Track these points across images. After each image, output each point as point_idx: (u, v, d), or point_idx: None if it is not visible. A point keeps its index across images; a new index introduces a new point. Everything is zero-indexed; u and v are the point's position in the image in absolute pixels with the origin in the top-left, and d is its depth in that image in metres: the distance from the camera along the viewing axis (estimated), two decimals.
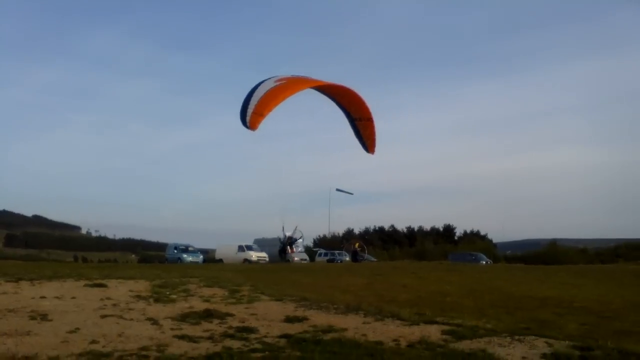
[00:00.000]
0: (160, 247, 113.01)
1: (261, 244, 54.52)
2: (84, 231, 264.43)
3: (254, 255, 48.79)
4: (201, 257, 52.16)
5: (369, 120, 13.13)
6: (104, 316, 12.62)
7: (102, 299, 15.44)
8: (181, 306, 14.34)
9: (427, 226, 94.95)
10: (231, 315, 12.75)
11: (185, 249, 52.17)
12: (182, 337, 10.17)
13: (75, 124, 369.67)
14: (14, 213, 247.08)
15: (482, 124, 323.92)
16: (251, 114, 10.91)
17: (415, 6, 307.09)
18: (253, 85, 11.97)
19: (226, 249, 52.37)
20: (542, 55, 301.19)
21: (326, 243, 75.95)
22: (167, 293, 16.99)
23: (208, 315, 12.59)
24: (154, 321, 11.98)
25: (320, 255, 59.04)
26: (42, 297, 15.66)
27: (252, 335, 10.36)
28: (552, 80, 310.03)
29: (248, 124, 11.09)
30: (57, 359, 7.92)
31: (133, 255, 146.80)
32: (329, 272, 28.68)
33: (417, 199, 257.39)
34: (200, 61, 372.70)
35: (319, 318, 12.39)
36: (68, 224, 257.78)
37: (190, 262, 47.81)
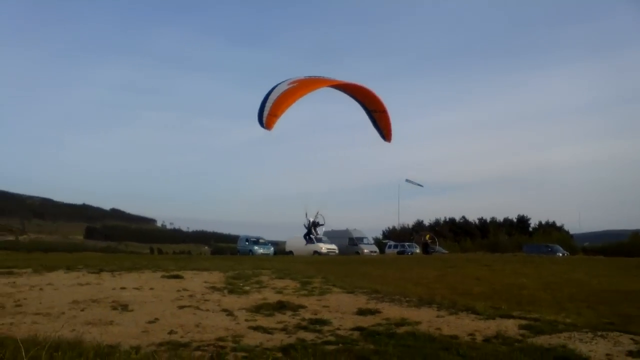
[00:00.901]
0: (232, 239, 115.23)
1: (330, 236, 54.66)
2: (159, 224, 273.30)
3: (323, 247, 49.01)
4: (272, 249, 52.82)
5: (384, 112, 13.69)
6: (181, 307, 12.97)
7: (178, 290, 15.88)
8: (254, 298, 14.55)
9: (499, 217, 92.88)
10: (304, 307, 12.83)
11: (256, 241, 52.94)
12: (256, 328, 10.31)
13: (148, 120, 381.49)
14: (94, 207, 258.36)
15: (556, 111, 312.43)
16: (267, 115, 11.61)
17: None
18: (276, 86, 12.49)
19: (296, 241, 52.71)
20: (617, 39, 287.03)
21: (395, 235, 75.49)
22: (241, 284, 17.28)
23: (281, 306, 12.71)
24: (228, 312, 12.22)
25: (389, 247, 58.77)
26: (123, 288, 16.26)
27: (325, 328, 10.39)
28: (632, 65, 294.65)
29: (264, 124, 11.79)
30: (139, 348, 8.15)
31: (206, 247, 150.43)
32: (400, 264, 28.45)
33: (489, 189, 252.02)
34: (266, 55, 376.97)
35: (391, 311, 12.30)
36: (144, 217, 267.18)
37: (262, 254, 48.51)
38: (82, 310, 12.50)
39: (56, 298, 14.22)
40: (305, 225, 16.85)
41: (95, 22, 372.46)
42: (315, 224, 16.96)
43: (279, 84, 12.35)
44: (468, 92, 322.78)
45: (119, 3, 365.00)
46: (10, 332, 9.03)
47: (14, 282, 17.25)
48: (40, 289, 15.89)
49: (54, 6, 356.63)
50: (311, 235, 17.21)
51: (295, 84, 12.21)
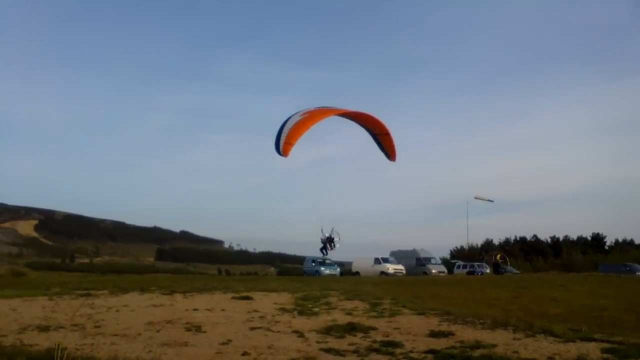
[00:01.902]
0: (298, 260, 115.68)
1: (397, 256, 54.14)
2: (226, 245, 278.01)
3: (390, 267, 48.58)
4: (338, 269, 52.65)
5: (387, 134, 14.69)
6: (252, 328, 13.09)
7: (249, 312, 16.04)
8: (324, 319, 14.52)
9: (573, 235, 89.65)
10: (374, 328, 12.71)
11: (323, 262, 52.90)
12: (328, 351, 10.28)
13: (214, 143, 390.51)
14: (163, 229, 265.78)
15: (631, 122, 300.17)
16: (283, 144, 12.72)
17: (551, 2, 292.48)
18: (289, 116, 13.69)
19: (362, 262, 52.54)
20: None
21: (464, 254, 73.88)
22: (310, 306, 17.30)
23: (352, 328, 12.63)
24: (299, 334, 12.24)
25: (458, 267, 57.57)
26: (195, 309, 16.56)
27: (398, 350, 10.24)
28: None
29: (281, 152, 12.93)
30: None
31: (272, 268, 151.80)
32: (470, 285, 27.83)
33: (561, 206, 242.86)
34: (328, 76, 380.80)
35: (465, 333, 12.01)
36: (212, 238, 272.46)
37: (328, 274, 48.44)
38: (158, 331, 12.79)
39: (132, 319, 14.62)
40: (321, 240, 17.45)
41: (163, 51, 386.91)
42: (330, 240, 17.46)
43: (292, 115, 13.39)
44: (536, 107, 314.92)
45: (187, 31, 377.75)
46: (92, 353, 9.32)
47: (92, 304, 17.86)
48: (117, 310, 16.39)
49: (125, 34, 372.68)
50: (324, 250, 17.85)
51: (306, 115, 13.23)
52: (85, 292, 21.87)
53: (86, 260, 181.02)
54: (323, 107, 13.83)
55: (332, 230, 18.02)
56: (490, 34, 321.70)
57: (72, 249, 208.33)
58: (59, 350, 6.04)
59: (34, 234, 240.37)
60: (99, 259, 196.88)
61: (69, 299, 19.23)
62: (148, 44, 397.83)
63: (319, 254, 54.35)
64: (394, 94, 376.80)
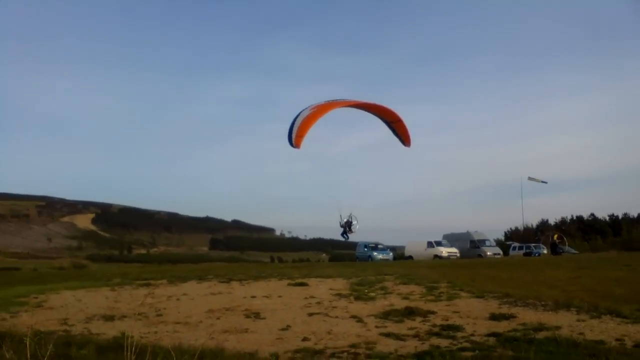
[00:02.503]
0: (349, 245, 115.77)
1: (450, 239, 53.42)
2: (278, 233, 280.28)
3: (444, 250, 47.98)
4: (391, 254, 52.35)
5: (400, 121, 15.12)
6: (310, 314, 13.17)
7: (305, 298, 16.13)
8: (382, 304, 14.48)
9: (633, 213, 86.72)
10: (433, 312, 12.61)
11: (375, 247, 52.62)
12: (388, 335, 10.25)
13: (263, 132, 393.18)
14: (216, 219, 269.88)
15: None
16: (295, 136, 13.58)
17: None
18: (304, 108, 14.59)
19: (415, 246, 52.07)
20: None
21: (519, 236, 72.40)
22: (366, 291, 17.27)
23: (410, 312, 12.57)
24: (358, 319, 12.24)
25: (513, 248, 56.44)
26: (253, 297, 16.78)
27: (459, 334, 10.13)
28: None
29: (293, 144, 13.77)
30: (277, 355, 8.33)
31: (324, 255, 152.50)
32: (528, 266, 27.25)
33: (619, 183, 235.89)
34: (374, 60, 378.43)
35: (527, 315, 11.78)
36: (264, 226, 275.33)
37: (381, 259, 48.21)
38: (218, 318, 13.02)
39: (192, 307, 14.92)
40: (340, 225, 17.70)
41: (213, 41, 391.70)
42: (349, 224, 17.70)
43: (303, 109, 14.21)
44: (594, 84, 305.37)
45: (235, 21, 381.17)
46: (156, 341, 9.52)
47: (153, 293, 18.25)
48: (177, 299, 16.74)
49: (175, 27, 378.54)
50: (345, 234, 18.10)
51: (315, 109, 14.02)
52: (145, 282, 22.41)
53: (143, 251, 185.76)
54: (333, 100, 14.49)
55: (350, 215, 18.36)
56: (542, 12, 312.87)
57: (128, 241, 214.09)
58: (127, 339, 6.15)
59: (92, 227, 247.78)
60: (155, 249, 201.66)
61: (130, 289, 19.75)
62: (197, 36, 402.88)
63: (370, 239, 54.44)
64: (445, 76, 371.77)
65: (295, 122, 14.04)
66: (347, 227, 18.60)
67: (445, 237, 54.94)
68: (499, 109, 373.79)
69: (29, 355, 6.18)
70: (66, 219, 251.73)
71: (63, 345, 8.66)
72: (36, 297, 17.62)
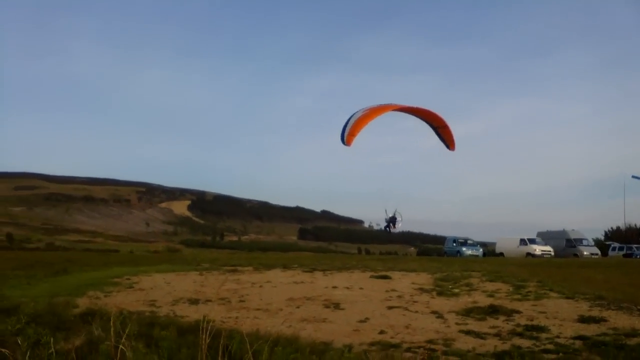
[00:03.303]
0: (438, 240, 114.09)
1: (545, 237, 51.50)
2: (366, 225, 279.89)
3: (537, 248, 46.28)
4: (481, 250, 51.13)
5: (446, 127, 15.93)
6: (390, 307, 13.05)
7: (387, 291, 16.02)
8: (465, 300, 14.14)
9: None
10: (518, 312, 12.16)
11: (464, 242, 51.60)
12: (468, 333, 9.98)
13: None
14: (306, 209, 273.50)
15: None
16: (347, 135, 14.54)
17: None
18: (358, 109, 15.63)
19: (507, 242, 50.58)
20: None
21: (620, 236, 68.73)
22: (450, 287, 16.92)
23: (493, 311, 12.18)
24: (438, 314, 12.01)
25: (613, 249, 53.66)
26: (334, 287, 16.84)
27: (543, 335, 9.72)
28: None
29: (345, 142, 14.66)
30: (351, 347, 8.29)
31: (412, 248, 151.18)
32: (627, 269, 25.75)
33: None
34: (468, 53, 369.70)
35: (619, 319, 11.13)
36: (352, 218, 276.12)
37: (470, 255, 47.22)
38: (298, 307, 13.16)
39: (274, 295, 15.17)
40: (385, 220, 17.73)
41: (300, 35, 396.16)
42: (393, 220, 17.63)
43: (357, 111, 15.31)
44: None
45: (323, 15, 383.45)
46: (236, 326, 9.72)
47: (238, 279, 18.75)
48: (260, 286, 17.08)
49: (274, 21, 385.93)
50: (388, 228, 18.13)
51: (367, 111, 15.09)
52: (232, 268, 23.03)
53: (234, 238, 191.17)
54: (384, 104, 15.45)
55: (396, 211, 18.98)
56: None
57: (221, 228, 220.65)
58: (205, 322, 6.29)
59: (187, 213, 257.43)
60: (246, 237, 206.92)
61: (217, 275, 20.35)
62: (287, 31, 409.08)
63: (459, 234, 53.41)
64: (539, 70, 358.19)
65: (349, 122, 14.90)
66: (391, 222, 18.78)
67: (540, 234, 53.03)
68: (600, 103, 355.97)
69: (112, 333, 6.47)
70: (164, 204, 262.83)
71: (147, 326, 9.01)
72: (129, 279, 18.52)
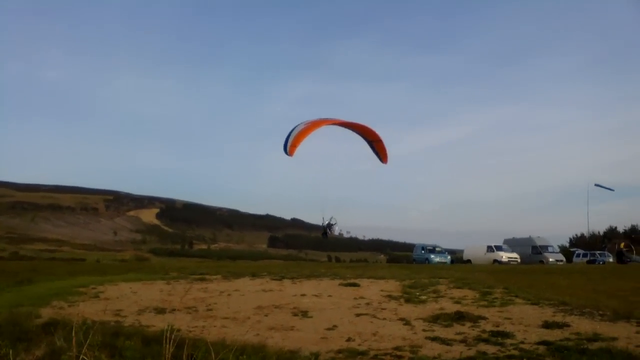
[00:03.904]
0: (408, 247, 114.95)
1: (511, 244, 52.25)
2: (336, 233, 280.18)
3: (504, 255, 46.91)
4: (449, 257, 51.67)
5: (380, 141, 17.01)
6: (358, 315, 13.08)
7: (355, 298, 16.05)
8: (432, 307, 14.24)
9: None
10: (484, 318, 12.29)
11: (433, 249, 52.10)
12: (434, 339, 10.05)
13: (322, 133, 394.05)
14: (276, 217, 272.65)
15: None
16: (289, 146, 15.30)
17: None
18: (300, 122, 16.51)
19: (475, 250, 51.20)
20: None
21: (584, 243, 70.10)
22: (417, 294, 17.03)
23: (460, 317, 12.29)
24: (406, 321, 12.07)
25: (577, 256, 54.69)
26: (303, 295, 16.82)
27: (508, 341, 9.83)
28: None
29: (288, 152, 15.43)
30: (318, 354, 8.30)
31: (382, 255, 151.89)
32: (590, 275, 26.24)
33: None
34: (444, 60, 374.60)
35: (582, 325, 11.32)
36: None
37: (438, 262, 47.66)
38: (266, 315, 13.11)
39: (242, 303, 15.09)
40: (322, 225, 18.49)
41: (274, 42, 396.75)
42: (329, 225, 18.35)
43: (299, 124, 16.07)
44: None
45: (299, 21, 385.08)
46: (202, 335, 9.66)
47: (206, 288, 18.59)
48: (229, 295, 16.97)
49: (246, 28, 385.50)
50: (325, 235, 19.02)
51: (309, 124, 15.84)
52: (200, 276, 22.83)
53: (204, 247, 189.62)
54: (324, 118, 16.45)
55: (332, 217, 19.87)
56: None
57: (190, 236, 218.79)
58: (170, 332, 6.24)
59: (156, 222, 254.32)
60: (216, 245, 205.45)
61: (185, 283, 20.15)
62: (260, 37, 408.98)
63: (428, 241, 53.80)
64: (512, 77, 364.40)
65: (291, 134, 15.72)
66: (328, 228, 19.37)
67: (506, 241, 53.79)
68: (566, 111, 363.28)
69: (74, 343, 6.36)
70: (132, 213, 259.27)
71: (111, 336, 8.89)
72: (94, 288, 18.23)
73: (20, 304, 13.85)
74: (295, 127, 15.87)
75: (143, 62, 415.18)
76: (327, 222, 19.00)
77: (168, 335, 6.19)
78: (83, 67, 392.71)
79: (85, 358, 5.92)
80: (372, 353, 8.87)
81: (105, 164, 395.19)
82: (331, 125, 16.50)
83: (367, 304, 14.93)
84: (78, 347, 6.21)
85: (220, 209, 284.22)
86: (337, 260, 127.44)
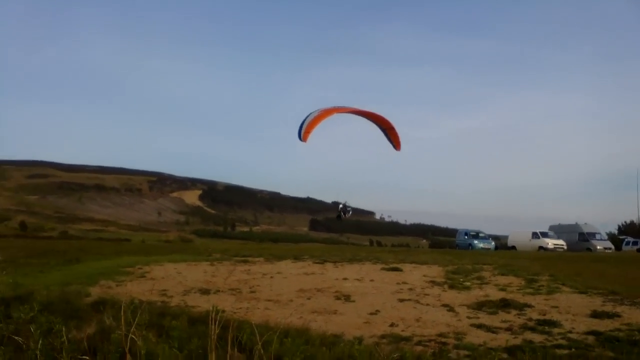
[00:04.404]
0: (450, 232, 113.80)
1: (557, 230, 51.12)
2: (377, 217, 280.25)
3: (550, 242, 45.98)
4: (492, 243, 50.89)
5: (392, 129, 17.30)
6: (401, 300, 13.01)
7: (398, 283, 15.97)
8: (476, 294, 14.06)
9: None
10: (530, 306, 12.07)
11: (476, 235, 51.38)
12: (479, 326, 9.93)
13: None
14: (317, 200, 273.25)
15: None
16: (303, 132, 15.69)
17: None
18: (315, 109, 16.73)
19: (519, 236, 50.30)
20: None
21: (634, 230, 68.21)
22: (461, 280, 16.84)
23: (505, 304, 12.11)
24: (449, 308, 11.95)
25: (627, 243, 53.20)
26: (345, 279, 16.83)
27: (555, 330, 9.64)
28: None
29: (301, 138, 15.78)
30: (362, 339, 8.27)
31: (424, 240, 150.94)
32: None
33: None
34: (479, 44, 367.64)
35: (633, 315, 11.02)
36: (364, 209, 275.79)
37: (482, 248, 47.01)
38: (308, 298, 13.15)
39: (285, 286, 15.17)
40: (339, 208, 19.60)
41: (319, 25, 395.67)
42: (344, 209, 18.34)
43: (312, 111, 16.48)
44: None
45: (338, 4, 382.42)
46: (246, 316, 9.74)
47: (249, 270, 18.77)
48: (271, 277, 17.10)
49: (287, 12, 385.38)
50: (339, 218, 19.02)
51: (322, 111, 16.30)
52: (243, 258, 23.07)
53: (245, 229, 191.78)
54: (337, 106, 16.75)
55: (346, 202, 19.60)
56: None
57: (232, 218, 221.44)
58: (215, 313, 6.28)
59: (199, 203, 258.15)
60: (257, 227, 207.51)
61: (228, 265, 20.38)
62: (295, 19, 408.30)
63: (472, 227, 53.09)
64: (557, 61, 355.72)
65: (305, 121, 16.03)
66: (342, 212, 19.50)
67: (552, 228, 52.66)
68: (616, 95, 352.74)
69: (122, 322, 6.48)
70: (175, 194, 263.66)
71: (158, 315, 9.04)
72: (140, 268, 18.61)
73: (69, 282, 14.22)
74: (309, 114, 16.31)
75: (187, 46, 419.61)
76: (341, 205, 19.30)
77: (213, 316, 6.22)
78: (127, 49, 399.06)
79: (134, 337, 6.02)
80: (415, 339, 8.81)
81: (148, 146, 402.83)
82: (344, 114, 16.94)
83: (410, 289, 14.84)
84: (127, 326, 6.31)
85: (261, 191, 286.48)
86: (379, 244, 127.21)
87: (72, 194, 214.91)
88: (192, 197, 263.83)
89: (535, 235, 48.11)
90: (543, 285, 15.53)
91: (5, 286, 11.21)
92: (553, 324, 10.13)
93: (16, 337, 6.66)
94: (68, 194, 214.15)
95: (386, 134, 17.64)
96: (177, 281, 15.86)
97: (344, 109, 16.72)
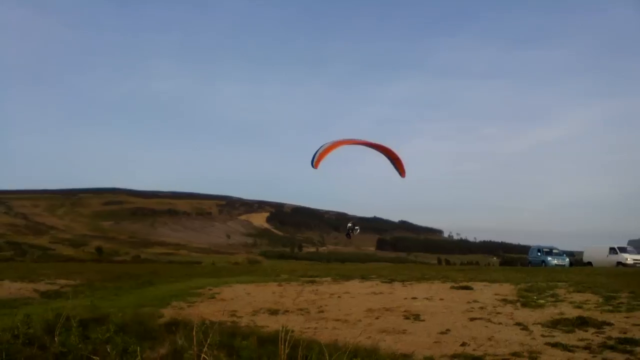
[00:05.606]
0: (522, 249, 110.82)
1: (636, 245, 48.97)
2: (445, 235, 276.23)
3: (629, 257, 44.01)
4: (567, 259, 49.14)
5: (398, 159, 17.97)
6: (472, 319, 12.71)
7: (468, 302, 15.62)
8: (550, 312, 13.57)
9: None
10: (609, 324, 11.54)
11: (550, 252, 49.76)
12: (555, 345, 9.57)
13: (427, 133, 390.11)
14: (384, 219, 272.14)
15: None
16: (315, 160, 16.43)
17: None
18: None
19: (595, 251, 48.37)
20: None
21: None
22: (535, 297, 16.31)
23: (582, 322, 11.63)
24: (523, 326, 11.59)
25: None
26: (414, 298, 16.60)
27: (638, 349, 9.17)
28: None
29: (313, 166, 16.42)
30: (432, 359, 8.14)
31: (494, 258, 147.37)
32: None
33: None
34: (548, 55, 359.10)
35: None
36: (431, 228, 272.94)
37: (556, 265, 45.47)
38: (377, 318, 13.04)
39: (353, 306, 15.11)
40: (347, 226, 19.66)
41: (379, 42, 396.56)
42: (352, 227, 19.45)
43: (326, 142, 17.37)
44: None
45: (396, 21, 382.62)
46: (315, 336, 9.74)
47: (317, 290, 18.81)
48: (339, 297, 17.07)
49: (346, 32, 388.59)
50: (348, 235, 18.76)
51: (333, 143, 17.08)
52: (310, 279, 23.15)
53: (312, 249, 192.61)
54: (347, 139, 17.60)
55: (353, 221, 20.03)
56: None
57: (299, 239, 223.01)
58: (284, 333, 6.34)
59: (266, 225, 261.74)
60: (324, 248, 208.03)
61: (296, 286, 20.49)
62: (359, 38, 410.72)
63: (544, 243, 51.46)
64: (624, 70, 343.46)
65: (318, 151, 16.90)
66: (350, 230, 19.56)
67: (631, 242, 50.45)
68: None
69: (194, 342, 6.63)
70: (243, 217, 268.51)
71: (228, 336, 9.16)
72: (211, 289, 18.97)
73: (143, 304, 14.65)
74: (323, 145, 17.24)
75: (248, 69, 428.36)
76: (349, 225, 19.53)
77: (283, 336, 6.28)
78: (193, 76, 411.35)
79: (206, 357, 6.13)
80: (488, 358, 8.59)
81: (217, 170, 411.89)
82: (355, 145, 17.87)
83: (481, 307, 14.49)
84: (199, 346, 6.44)
85: (327, 212, 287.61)
86: (447, 262, 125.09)
87: (145, 219, 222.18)
88: (259, 219, 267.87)
89: (612, 250, 46.13)
90: (623, 303, 14.83)
91: (83, 308, 11.66)
92: (635, 342, 9.64)
93: (94, 357, 6.91)
94: (141, 219, 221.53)
95: (393, 163, 18.31)
96: (246, 302, 16.07)
97: (353, 141, 17.67)
